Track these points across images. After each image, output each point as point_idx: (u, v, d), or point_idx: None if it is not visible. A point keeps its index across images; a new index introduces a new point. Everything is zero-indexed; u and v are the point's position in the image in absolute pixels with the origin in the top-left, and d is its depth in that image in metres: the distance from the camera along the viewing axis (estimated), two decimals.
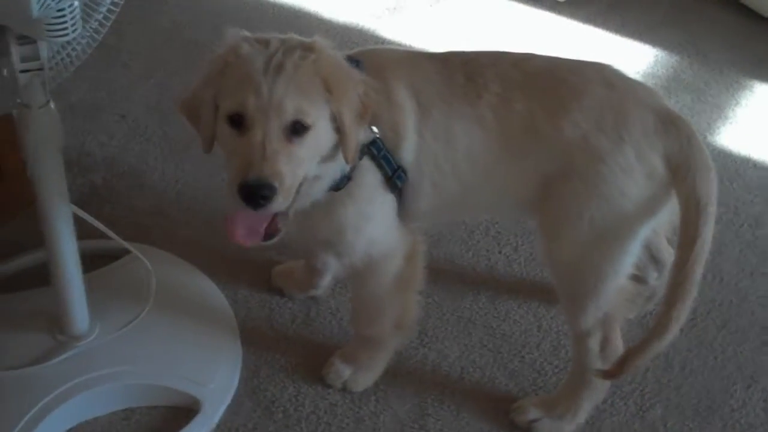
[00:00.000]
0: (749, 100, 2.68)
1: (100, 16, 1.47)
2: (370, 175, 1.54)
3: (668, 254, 1.85)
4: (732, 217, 2.26)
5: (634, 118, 1.51)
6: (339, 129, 1.43)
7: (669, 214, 1.56)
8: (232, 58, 1.41)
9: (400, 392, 1.82)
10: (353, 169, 1.51)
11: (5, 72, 1.45)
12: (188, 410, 1.73)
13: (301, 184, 1.43)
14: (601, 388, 1.73)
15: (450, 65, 1.57)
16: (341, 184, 1.53)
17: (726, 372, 1.91)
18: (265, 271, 2.00)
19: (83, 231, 1.72)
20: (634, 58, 2.79)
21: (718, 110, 2.62)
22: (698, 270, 1.47)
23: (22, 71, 1.42)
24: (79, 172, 2.22)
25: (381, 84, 1.51)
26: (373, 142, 1.52)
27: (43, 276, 1.72)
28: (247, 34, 1.44)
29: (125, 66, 2.59)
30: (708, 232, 1.47)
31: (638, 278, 1.78)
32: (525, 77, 1.55)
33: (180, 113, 1.52)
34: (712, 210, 1.48)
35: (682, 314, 1.48)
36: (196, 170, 2.25)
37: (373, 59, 1.56)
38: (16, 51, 1.39)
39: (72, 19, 1.33)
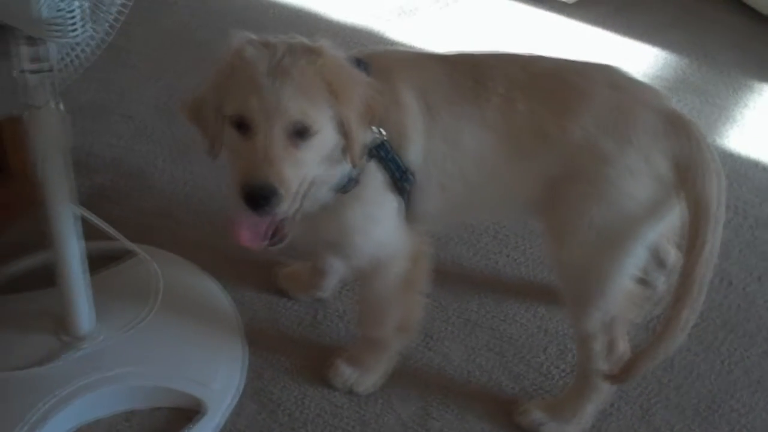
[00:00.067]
0: (756, 102, 2.67)
1: (110, 18, 1.47)
2: (377, 178, 1.54)
3: (675, 258, 1.84)
4: (740, 221, 2.25)
5: (641, 120, 1.51)
6: (344, 132, 1.43)
7: (676, 217, 1.56)
8: (237, 61, 1.41)
9: (404, 395, 1.82)
10: (360, 171, 1.51)
11: (14, 73, 1.45)
12: (192, 412, 1.73)
13: (307, 188, 1.43)
14: (606, 392, 1.72)
15: (457, 67, 1.57)
16: (348, 186, 1.53)
17: (732, 376, 1.90)
18: (271, 274, 2.00)
19: (89, 232, 1.72)
20: (640, 60, 2.79)
21: (724, 112, 2.61)
22: (706, 274, 1.46)
23: (31, 72, 1.42)
24: (87, 173, 2.22)
25: (388, 86, 1.51)
26: (380, 145, 1.52)
27: (49, 277, 1.73)
28: (252, 37, 1.44)
29: (133, 67, 2.60)
30: (716, 237, 1.46)
31: (645, 282, 1.77)
32: (532, 79, 1.55)
33: (185, 117, 1.53)
34: (719, 213, 1.47)
35: (690, 319, 1.47)
36: (204, 172, 2.25)
37: (380, 61, 1.56)
38: (25, 52, 1.40)
39: (80, 20, 1.33)
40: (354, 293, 1.95)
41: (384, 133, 1.51)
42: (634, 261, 1.57)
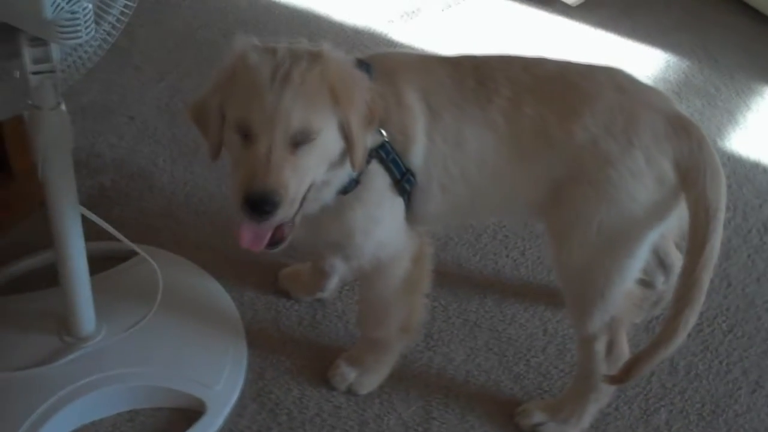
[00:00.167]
0: (760, 105, 2.67)
1: (113, 19, 1.47)
2: (378, 179, 1.54)
3: (676, 259, 1.84)
4: (741, 222, 2.25)
5: (645, 122, 1.51)
6: (346, 136, 1.43)
7: (678, 218, 1.56)
8: (240, 67, 1.41)
9: (404, 395, 1.82)
10: (362, 173, 1.52)
11: (17, 74, 1.45)
12: (193, 412, 1.73)
13: (308, 191, 1.43)
14: (606, 393, 1.73)
15: (461, 69, 1.57)
16: (350, 187, 1.53)
17: (731, 377, 1.90)
18: (272, 274, 2.00)
19: (92, 232, 1.73)
20: (645, 62, 2.79)
21: (728, 115, 2.61)
22: (707, 276, 1.47)
23: (34, 73, 1.42)
24: (89, 173, 2.23)
25: (391, 88, 1.51)
26: (382, 146, 1.52)
27: (52, 277, 1.73)
28: (255, 41, 1.44)
29: (136, 68, 2.60)
30: (717, 238, 1.47)
31: (646, 283, 1.78)
32: (536, 81, 1.55)
33: (189, 119, 1.53)
34: (721, 215, 1.47)
35: (690, 320, 1.47)
36: (206, 173, 2.25)
37: (383, 63, 1.56)
38: (28, 53, 1.40)
39: (85, 21, 1.33)
40: (354, 293, 1.96)
41: (385, 134, 1.52)
42: (636, 262, 1.58)
